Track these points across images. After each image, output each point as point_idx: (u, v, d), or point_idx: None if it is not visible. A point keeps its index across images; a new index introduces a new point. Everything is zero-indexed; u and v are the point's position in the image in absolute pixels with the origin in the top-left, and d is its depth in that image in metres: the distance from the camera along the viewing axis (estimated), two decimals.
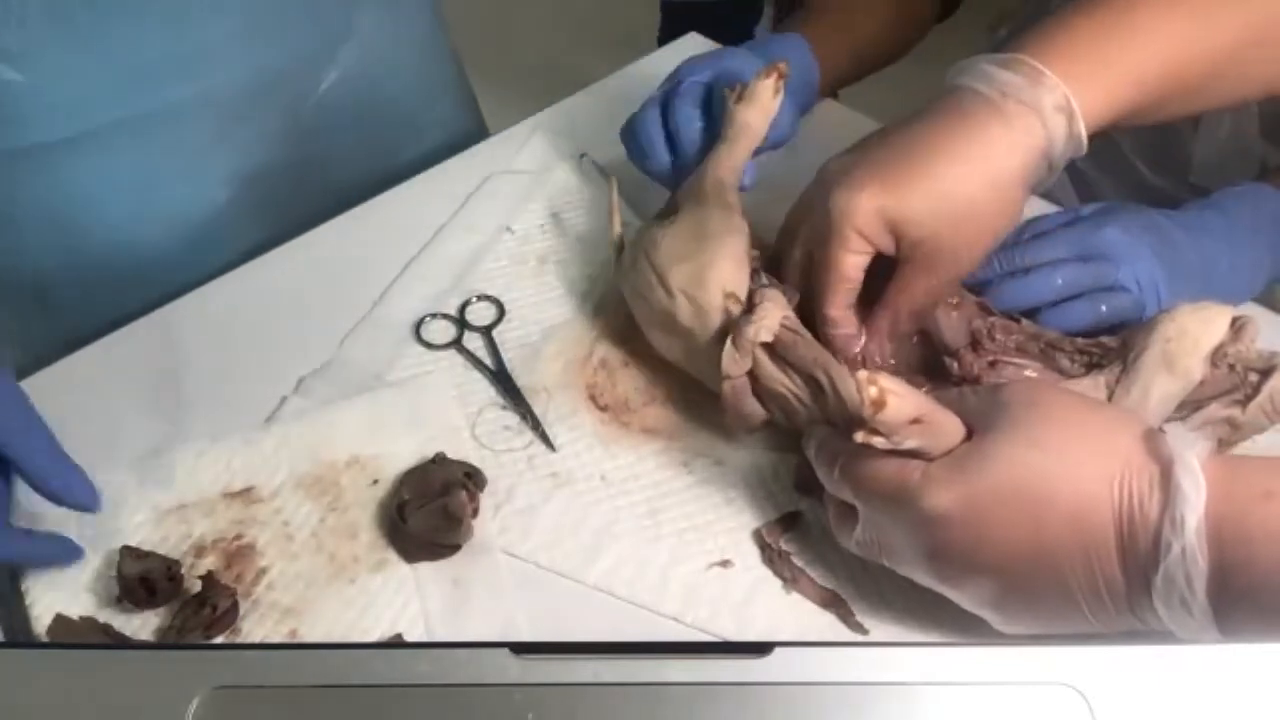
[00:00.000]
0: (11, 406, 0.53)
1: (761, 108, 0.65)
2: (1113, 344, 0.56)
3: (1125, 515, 0.44)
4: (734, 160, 0.65)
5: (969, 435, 0.48)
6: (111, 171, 0.72)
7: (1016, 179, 0.55)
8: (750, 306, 0.56)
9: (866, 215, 0.55)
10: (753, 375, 0.57)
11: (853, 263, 0.57)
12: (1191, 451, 0.44)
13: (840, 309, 0.59)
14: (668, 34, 1.85)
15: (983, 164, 0.54)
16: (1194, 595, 0.43)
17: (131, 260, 0.75)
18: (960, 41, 0.83)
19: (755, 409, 0.57)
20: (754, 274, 0.59)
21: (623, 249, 0.66)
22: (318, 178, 0.82)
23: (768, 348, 0.55)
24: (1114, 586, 0.45)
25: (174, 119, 0.72)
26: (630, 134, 0.71)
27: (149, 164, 0.73)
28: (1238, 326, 0.53)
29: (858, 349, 0.60)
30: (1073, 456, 0.46)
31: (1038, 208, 0.75)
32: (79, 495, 0.53)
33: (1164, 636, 0.46)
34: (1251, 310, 0.66)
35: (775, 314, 0.55)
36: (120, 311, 0.70)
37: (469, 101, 0.95)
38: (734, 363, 0.56)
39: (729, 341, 0.56)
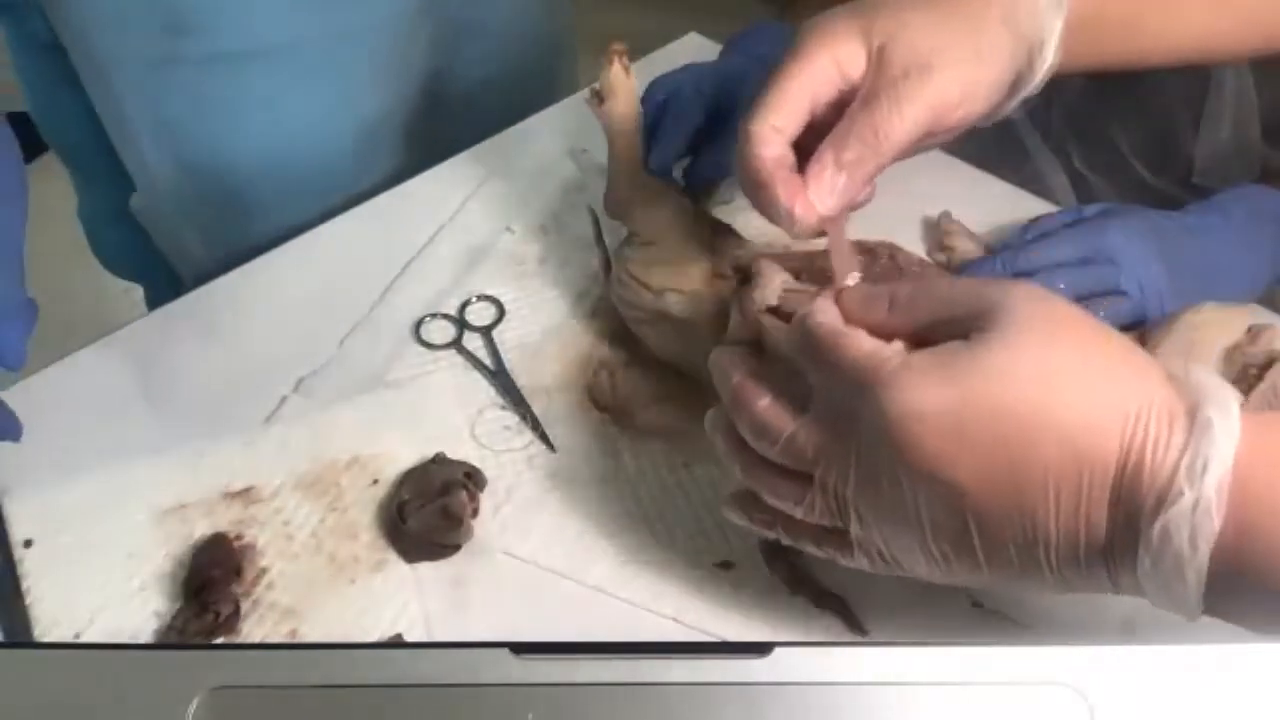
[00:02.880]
0: None
1: (623, 96, 0.63)
2: (1133, 339, 0.57)
3: (1134, 452, 0.38)
4: (631, 153, 0.64)
5: (946, 334, 0.42)
6: (278, 86, 0.78)
7: (1005, 27, 0.50)
8: (746, 277, 0.56)
9: (836, 20, 0.49)
10: (760, 347, 0.57)
11: (806, 72, 0.48)
12: (1230, 393, 0.38)
13: (767, 123, 0.49)
14: None
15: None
16: (1194, 555, 0.37)
17: (289, 171, 0.81)
18: None
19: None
20: (723, 237, 0.60)
21: (610, 268, 0.66)
22: (456, 112, 0.88)
23: (773, 313, 0.55)
24: (1094, 533, 0.39)
25: (338, 42, 0.78)
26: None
27: (310, 82, 0.79)
28: (1255, 332, 0.54)
29: (783, 183, 0.49)
30: (1086, 378, 0.39)
31: (1038, 208, 0.75)
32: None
33: (1164, 636, 0.46)
34: (1253, 311, 0.66)
35: (776, 278, 0.55)
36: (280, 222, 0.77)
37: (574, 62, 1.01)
38: (743, 331, 0.56)
39: (734, 313, 0.56)
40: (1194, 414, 0.38)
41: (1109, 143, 0.86)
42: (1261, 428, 0.38)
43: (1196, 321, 0.56)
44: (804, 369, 0.44)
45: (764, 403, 0.45)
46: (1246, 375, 0.54)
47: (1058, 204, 0.80)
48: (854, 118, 0.48)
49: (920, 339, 0.43)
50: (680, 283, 0.59)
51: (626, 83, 0.63)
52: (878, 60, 0.48)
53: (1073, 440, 0.38)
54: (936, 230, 0.71)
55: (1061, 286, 0.61)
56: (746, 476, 0.47)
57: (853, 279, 0.48)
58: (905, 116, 0.48)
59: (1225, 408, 0.38)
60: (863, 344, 0.42)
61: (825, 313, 0.44)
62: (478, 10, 0.87)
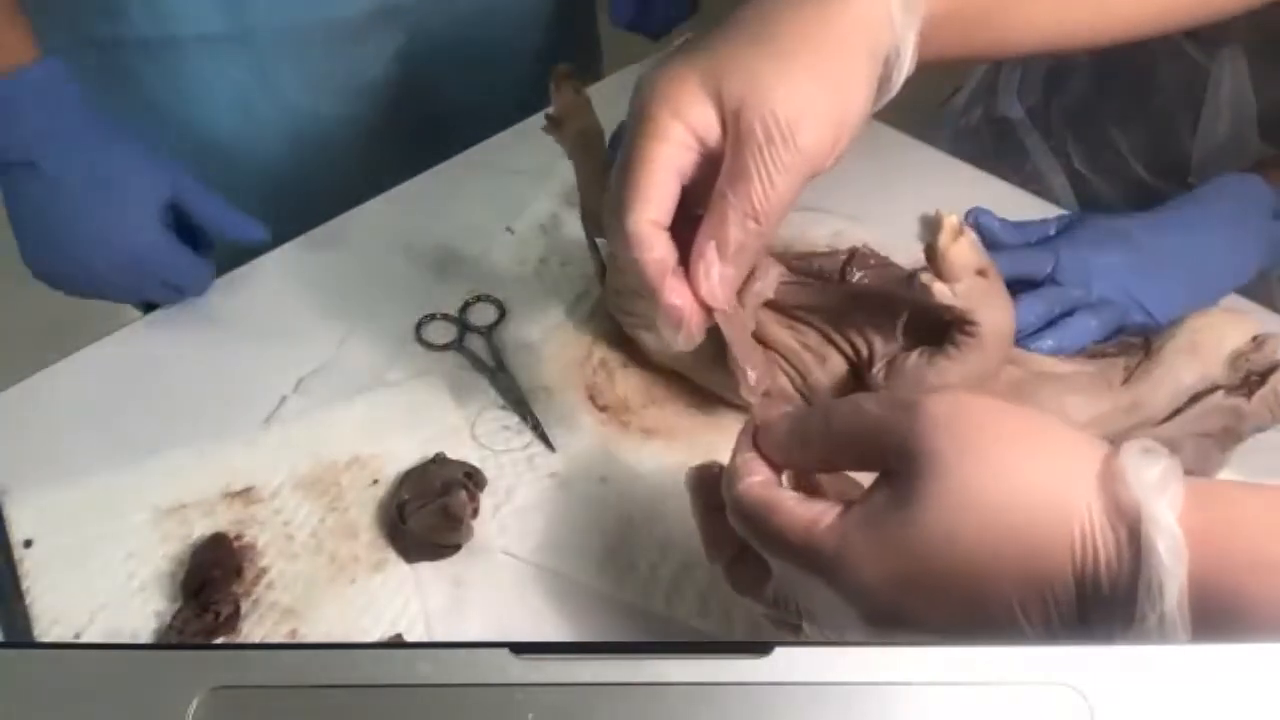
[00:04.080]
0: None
1: (577, 117, 0.62)
2: (1134, 341, 0.58)
3: (1088, 576, 0.36)
4: (598, 172, 0.61)
5: (880, 468, 0.40)
6: (239, 73, 0.79)
7: (861, 49, 0.45)
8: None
9: (683, 83, 0.44)
10: (758, 340, 0.57)
11: (666, 153, 0.44)
12: (1164, 501, 0.35)
13: (643, 220, 0.44)
14: None
15: (822, 27, 0.44)
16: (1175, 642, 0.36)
17: (252, 163, 0.83)
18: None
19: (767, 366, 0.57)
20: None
21: (604, 274, 0.66)
22: (427, 102, 0.88)
23: (770, 308, 0.56)
24: (1072, 628, 0.38)
25: (300, 31, 0.79)
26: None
27: (272, 70, 0.80)
28: (1260, 339, 0.55)
29: (668, 284, 0.44)
30: (1019, 515, 0.37)
31: (1038, 208, 0.75)
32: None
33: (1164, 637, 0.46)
34: (1251, 309, 0.66)
35: (773, 270, 0.56)
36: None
37: (593, 49, 1.00)
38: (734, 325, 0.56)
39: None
40: (1136, 532, 0.35)
41: (1108, 143, 0.86)
42: (1208, 525, 0.35)
43: (1201, 325, 0.56)
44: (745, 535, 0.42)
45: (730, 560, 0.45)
46: (1249, 381, 0.54)
47: (1057, 203, 0.80)
48: (725, 198, 0.43)
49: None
50: None
51: (579, 103, 0.61)
52: (735, 126, 0.43)
53: (1024, 581, 0.37)
54: (929, 227, 0.70)
55: (1032, 319, 0.61)
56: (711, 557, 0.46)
57: (752, 376, 0.46)
58: (780, 187, 0.43)
59: (1165, 528, 0.35)
60: (794, 520, 0.40)
61: (750, 475, 0.42)
62: (467, 30, 0.87)
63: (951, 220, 0.47)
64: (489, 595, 0.55)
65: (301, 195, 0.84)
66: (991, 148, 0.93)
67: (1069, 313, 0.62)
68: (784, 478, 0.43)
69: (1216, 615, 0.35)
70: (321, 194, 0.83)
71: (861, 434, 0.40)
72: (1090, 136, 0.88)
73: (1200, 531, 0.35)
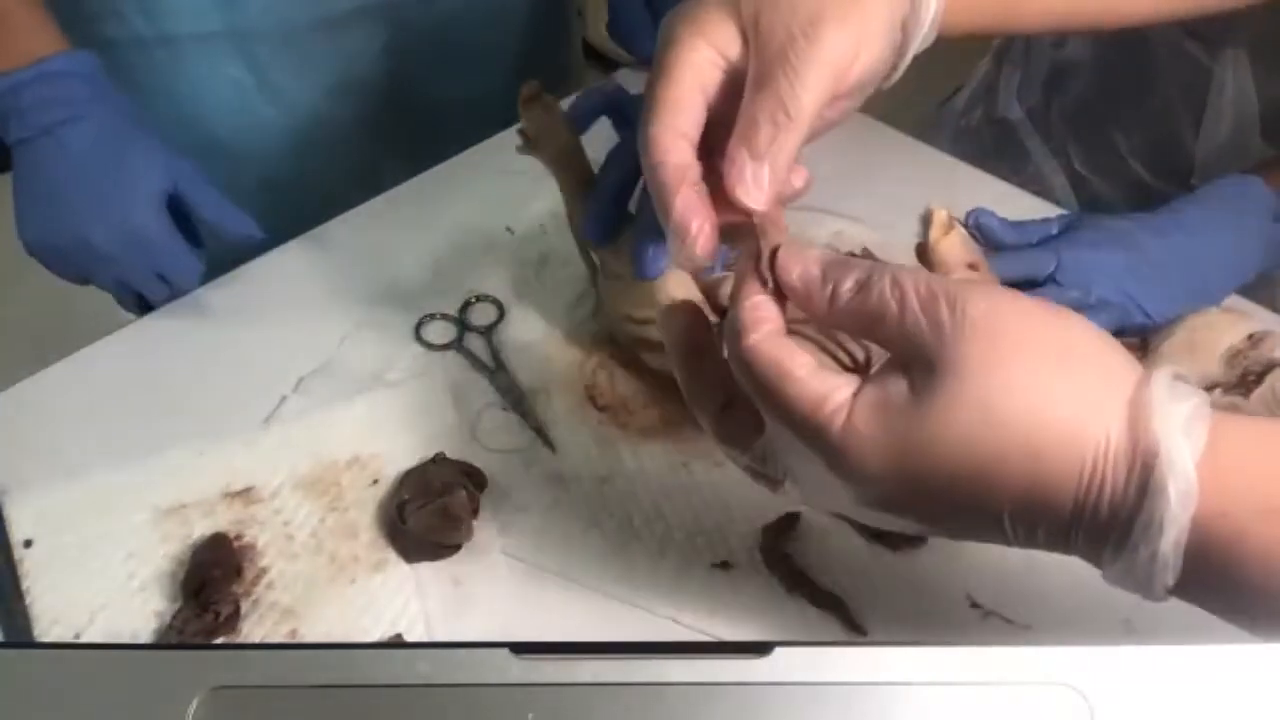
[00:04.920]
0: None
1: (550, 134, 0.61)
2: (1132, 341, 0.58)
3: (1089, 506, 0.36)
4: (579, 186, 0.61)
5: (901, 360, 0.38)
6: (235, 71, 0.80)
7: None
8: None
9: (704, 5, 0.45)
10: None
11: (691, 65, 0.44)
12: (1186, 445, 0.35)
13: (665, 126, 0.44)
14: None
15: None
16: (1151, 590, 0.37)
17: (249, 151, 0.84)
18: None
19: None
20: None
21: (597, 280, 0.66)
22: (417, 95, 0.88)
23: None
24: (1057, 547, 0.38)
25: (295, 29, 0.80)
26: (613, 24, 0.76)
27: (269, 68, 0.81)
28: (1257, 338, 0.55)
29: (684, 191, 0.43)
30: (1035, 434, 0.36)
31: (1038, 208, 0.75)
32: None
33: (1164, 636, 0.46)
34: (1251, 309, 0.66)
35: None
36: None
37: (573, 52, 1.01)
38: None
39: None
40: (1150, 467, 0.35)
41: (1109, 144, 0.86)
42: (1222, 472, 0.35)
43: (1199, 324, 0.56)
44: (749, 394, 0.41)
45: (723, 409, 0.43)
46: (1246, 380, 0.54)
47: (1058, 204, 0.80)
48: (754, 101, 0.44)
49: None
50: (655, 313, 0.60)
51: (551, 120, 0.61)
52: (755, 34, 0.44)
53: (1028, 489, 0.37)
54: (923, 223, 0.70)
55: None
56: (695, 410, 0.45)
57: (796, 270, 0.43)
58: (807, 84, 0.43)
59: (1180, 470, 0.35)
60: (804, 392, 0.38)
61: (760, 326, 0.40)
62: (457, 31, 0.87)
63: (941, 215, 0.47)
64: (489, 595, 0.55)
65: (301, 195, 0.84)
66: (991, 148, 0.93)
67: None
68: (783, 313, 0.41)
69: (1210, 559, 0.35)
70: (321, 193, 0.83)
71: (894, 315, 0.38)
72: (1090, 138, 0.87)
73: (1215, 472, 0.35)
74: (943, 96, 1.00)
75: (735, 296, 0.41)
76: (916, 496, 0.38)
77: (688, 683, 0.35)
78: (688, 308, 0.44)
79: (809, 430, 0.38)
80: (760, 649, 0.35)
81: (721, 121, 0.45)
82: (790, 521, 0.57)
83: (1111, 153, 0.87)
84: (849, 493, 0.39)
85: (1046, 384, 0.37)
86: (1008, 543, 0.39)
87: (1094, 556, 0.38)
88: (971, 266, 0.50)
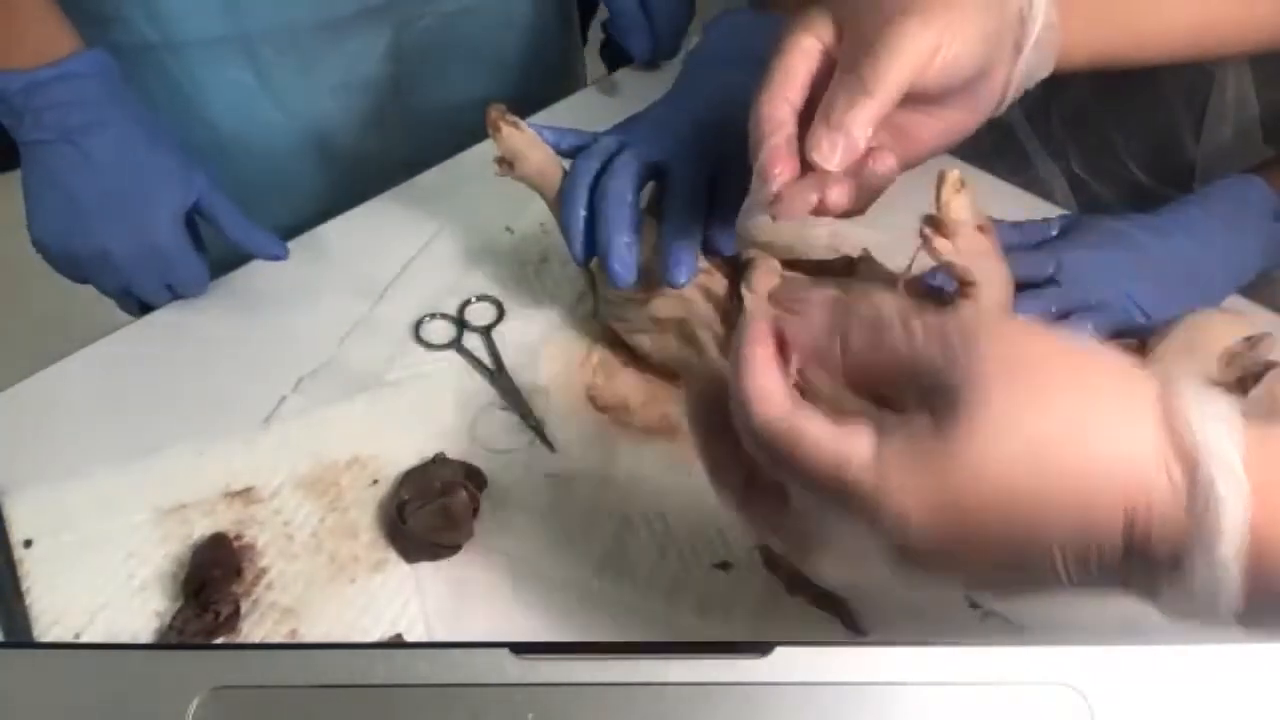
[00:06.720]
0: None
1: (526, 154, 0.63)
2: (1130, 342, 0.58)
3: (1140, 525, 0.35)
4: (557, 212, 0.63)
5: (923, 399, 0.37)
6: (240, 75, 0.80)
7: None
8: (736, 269, 0.59)
9: (807, 9, 0.51)
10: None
11: (796, 49, 0.50)
12: (1230, 440, 0.34)
13: (772, 94, 0.50)
14: None
15: None
16: (1215, 613, 0.35)
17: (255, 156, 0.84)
18: None
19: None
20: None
21: (595, 283, 0.66)
22: (419, 96, 0.88)
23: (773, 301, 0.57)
24: (1111, 580, 0.37)
25: (299, 32, 0.80)
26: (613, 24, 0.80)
27: (273, 72, 0.81)
28: (1254, 340, 0.55)
29: (774, 139, 0.49)
30: (1072, 455, 0.35)
31: (1038, 208, 0.75)
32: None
33: (1164, 636, 0.46)
34: (1251, 310, 0.66)
35: (772, 260, 0.58)
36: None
37: (574, 53, 1.01)
38: (756, 304, 0.57)
39: (744, 289, 0.57)
40: (1194, 473, 0.34)
41: (1109, 147, 0.86)
42: (1273, 463, 0.34)
43: (1197, 324, 0.56)
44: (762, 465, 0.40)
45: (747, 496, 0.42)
46: (1244, 381, 0.54)
47: (1056, 203, 0.80)
48: (837, 81, 0.49)
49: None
50: (655, 310, 0.61)
51: (524, 139, 0.62)
52: (849, 27, 0.49)
53: (1075, 513, 0.35)
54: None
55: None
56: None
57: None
58: (882, 61, 0.47)
59: (1229, 467, 0.33)
60: (826, 458, 0.37)
61: (768, 400, 0.38)
62: (459, 32, 0.87)
63: (954, 174, 0.50)
64: (489, 595, 0.55)
65: (303, 194, 0.84)
66: (991, 150, 0.92)
67: (1068, 314, 0.62)
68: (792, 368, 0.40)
69: (1271, 573, 0.33)
70: (322, 193, 0.83)
71: (915, 358, 0.37)
72: (1090, 141, 0.87)
73: (1264, 480, 0.33)
74: None
75: (737, 372, 0.39)
76: (957, 539, 0.36)
77: (688, 683, 0.35)
78: (708, 386, 0.43)
79: (840, 495, 0.37)
80: (760, 649, 0.35)
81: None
82: None
83: (1111, 155, 0.87)
84: (888, 550, 0.37)
85: (1082, 401, 0.36)
86: (1059, 584, 0.36)
87: (1151, 584, 0.36)
88: (980, 229, 0.51)
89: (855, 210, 0.50)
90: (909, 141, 0.52)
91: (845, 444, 0.36)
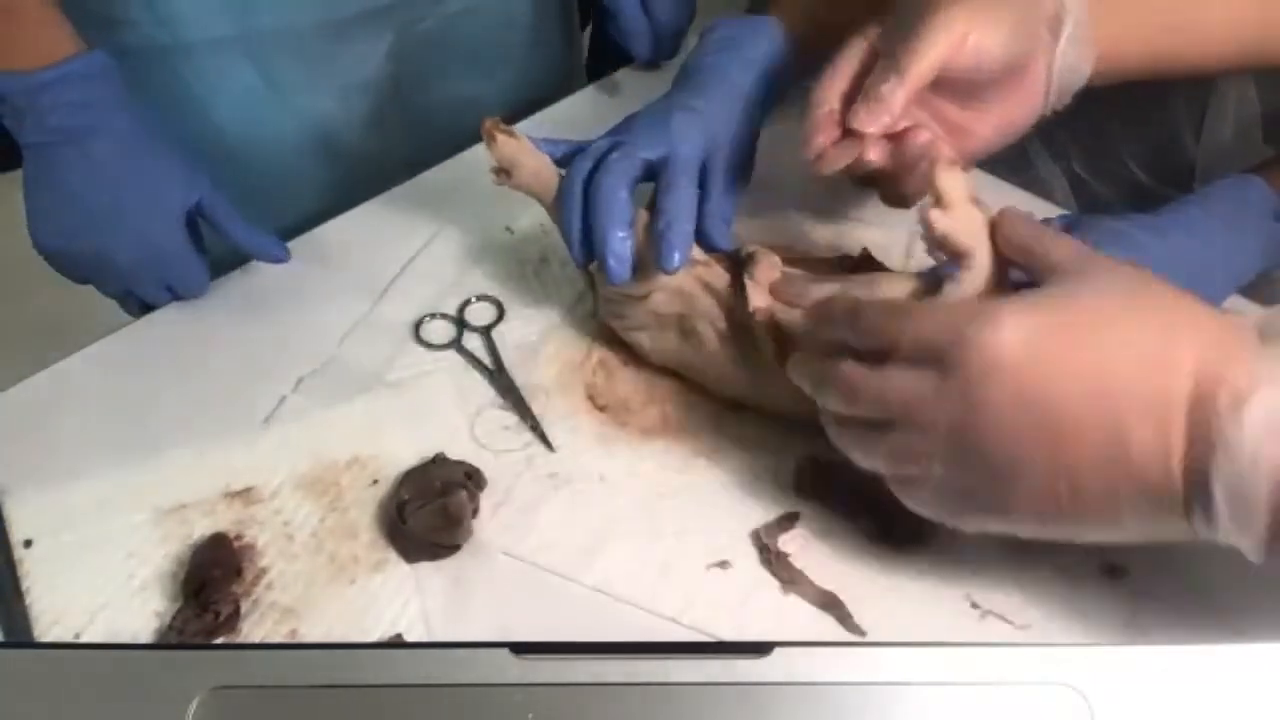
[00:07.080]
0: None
1: (521, 162, 0.64)
2: None
3: (1206, 375, 0.43)
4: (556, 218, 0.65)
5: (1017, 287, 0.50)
6: (245, 76, 0.80)
7: None
8: (737, 262, 0.59)
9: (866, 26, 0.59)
10: (760, 326, 0.58)
11: (850, 47, 0.58)
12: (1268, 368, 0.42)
13: (827, 83, 0.58)
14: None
15: None
16: (1250, 524, 0.42)
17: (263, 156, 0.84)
18: None
19: (794, 320, 0.58)
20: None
21: (593, 285, 0.66)
22: (422, 96, 0.89)
23: (774, 293, 0.57)
24: (1174, 441, 0.43)
25: (303, 33, 0.80)
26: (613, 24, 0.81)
27: (277, 72, 0.81)
28: None
29: (818, 111, 0.58)
30: (1161, 312, 0.46)
31: (1039, 208, 0.75)
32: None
33: (1164, 636, 0.46)
34: (1252, 309, 0.66)
35: (773, 255, 0.59)
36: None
37: (575, 53, 1.01)
38: (759, 294, 0.58)
39: (746, 280, 0.58)
40: (1256, 343, 0.43)
41: (1110, 148, 0.86)
42: None
43: None
44: (865, 343, 0.49)
45: (848, 366, 0.50)
46: None
47: (1056, 204, 0.80)
48: (877, 65, 0.57)
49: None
50: (656, 286, 0.61)
51: (519, 148, 0.63)
52: (889, 26, 0.57)
53: (1152, 357, 0.44)
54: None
55: None
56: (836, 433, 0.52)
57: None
58: (912, 43, 0.55)
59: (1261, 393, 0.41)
60: (938, 311, 0.48)
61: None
62: (461, 33, 0.87)
63: (946, 151, 0.55)
64: (489, 595, 0.55)
65: (304, 194, 0.84)
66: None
67: None
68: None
69: None
70: (324, 193, 0.83)
71: (1037, 246, 0.50)
72: (1091, 142, 0.87)
73: None
74: None
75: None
76: (1059, 366, 0.44)
77: (688, 683, 0.35)
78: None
79: (952, 322, 0.46)
80: (760, 649, 0.35)
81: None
82: (789, 521, 0.57)
83: (1111, 155, 0.87)
84: (978, 390, 0.45)
85: (1168, 296, 0.47)
86: (1133, 456, 0.43)
87: (1209, 444, 0.42)
88: (974, 201, 0.51)
89: (903, 188, 0.60)
90: (967, 138, 0.59)
91: (957, 305, 0.49)
